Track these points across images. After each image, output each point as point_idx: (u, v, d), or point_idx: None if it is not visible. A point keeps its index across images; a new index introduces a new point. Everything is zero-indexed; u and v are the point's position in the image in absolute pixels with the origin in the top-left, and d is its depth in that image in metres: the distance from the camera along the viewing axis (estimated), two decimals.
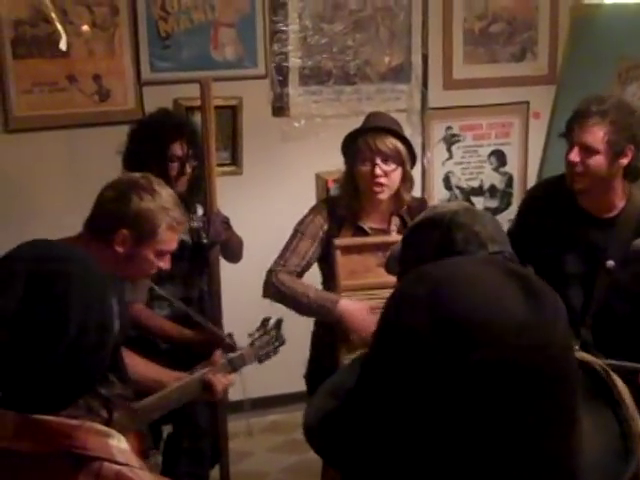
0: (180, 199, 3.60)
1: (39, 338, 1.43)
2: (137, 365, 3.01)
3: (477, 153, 5.38)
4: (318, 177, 4.79)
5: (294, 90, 4.91)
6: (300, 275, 3.41)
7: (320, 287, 3.47)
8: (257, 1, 4.78)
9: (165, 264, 2.85)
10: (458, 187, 5.38)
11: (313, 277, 3.50)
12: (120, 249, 2.73)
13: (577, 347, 3.16)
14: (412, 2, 5.05)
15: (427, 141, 5.18)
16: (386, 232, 3.43)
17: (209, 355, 3.12)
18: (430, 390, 0.95)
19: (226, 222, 3.59)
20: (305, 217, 3.45)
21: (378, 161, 3.29)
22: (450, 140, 5.31)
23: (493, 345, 0.94)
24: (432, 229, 1.99)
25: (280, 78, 4.87)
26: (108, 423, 1.51)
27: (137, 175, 2.89)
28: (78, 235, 2.81)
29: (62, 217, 4.26)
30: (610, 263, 3.14)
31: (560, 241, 3.36)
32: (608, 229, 3.24)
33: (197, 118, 3.76)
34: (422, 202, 3.61)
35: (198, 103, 3.52)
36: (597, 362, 1.18)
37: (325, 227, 3.40)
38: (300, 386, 3.53)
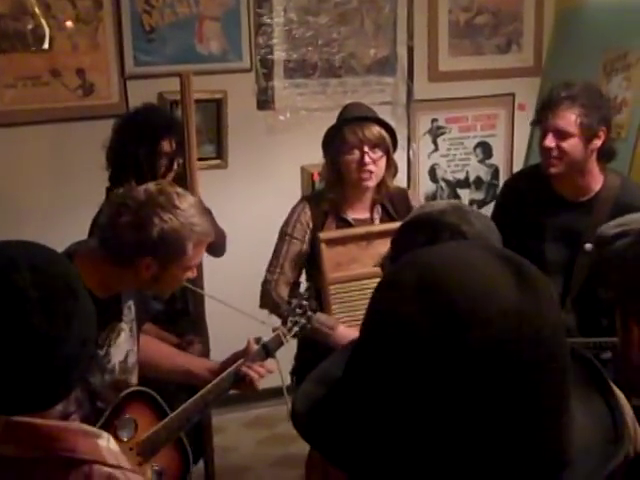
0: None
1: (56, 327, 1.40)
2: (165, 354, 2.98)
3: (463, 145, 5.38)
4: (303, 170, 4.78)
5: (279, 83, 4.89)
6: (296, 281, 3.42)
7: (304, 280, 3.46)
8: None
9: (193, 274, 2.71)
10: (444, 179, 5.38)
11: None
12: (146, 274, 2.55)
13: None
14: None
15: (413, 133, 5.17)
16: (369, 222, 3.43)
17: None
18: (420, 375, 0.94)
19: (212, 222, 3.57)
20: (289, 218, 3.44)
21: (366, 149, 3.30)
22: (436, 132, 5.30)
23: (484, 329, 0.93)
24: (419, 229, 2.01)
25: (265, 71, 4.86)
26: (92, 414, 1.50)
27: (153, 189, 2.58)
28: (93, 252, 2.58)
29: (46, 211, 4.26)
30: (588, 246, 3.16)
31: (539, 229, 3.39)
32: (585, 212, 3.28)
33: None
34: (403, 192, 3.61)
35: None
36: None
37: (310, 224, 3.40)
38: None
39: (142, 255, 2.51)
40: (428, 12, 5.16)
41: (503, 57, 5.36)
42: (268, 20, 4.82)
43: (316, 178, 4.55)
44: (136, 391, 2.69)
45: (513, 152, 5.43)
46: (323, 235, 3.34)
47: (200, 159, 3.82)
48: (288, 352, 3.47)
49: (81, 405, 1.46)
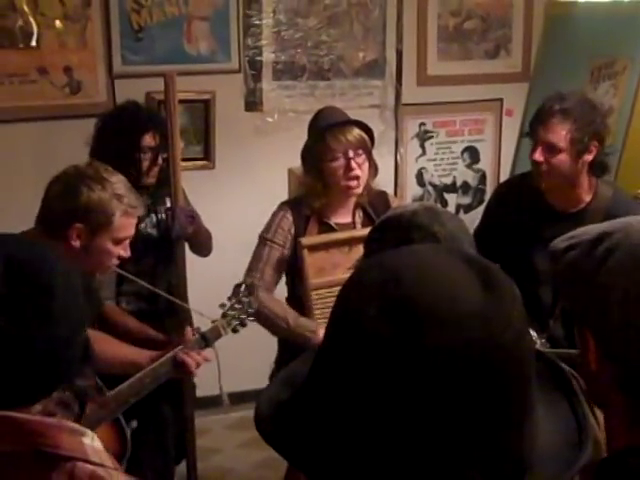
0: (149, 191, 3.60)
1: (22, 327, 1.40)
2: (110, 346, 2.98)
3: (450, 149, 5.39)
4: (291, 172, 4.76)
5: (267, 85, 4.89)
6: (275, 286, 3.39)
7: (285, 287, 3.44)
8: None
9: (125, 252, 2.80)
10: (431, 183, 5.38)
11: None
12: (76, 243, 2.67)
13: (544, 340, 3.19)
14: None
15: (400, 137, 5.18)
16: (351, 226, 3.42)
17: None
18: (380, 378, 0.94)
19: (191, 215, 3.55)
20: (270, 223, 3.40)
21: (351, 154, 3.28)
22: (423, 136, 5.31)
23: (445, 332, 0.93)
24: (391, 230, 2.01)
25: (253, 72, 4.86)
26: (80, 417, 1.48)
27: (83, 165, 2.82)
28: (30, 231, 2.74)
29: (31, 209, 4.22)
30: None
31: (528, 239, 3.38)
32: (575, 224, 3.25)
33: None
34: (383, 194, 3.60)
35: None
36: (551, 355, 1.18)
37: (292, 230, 3.37)
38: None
39: (71, 223, 2.65)
40: (417, 16, 5.17)
41: (492, 62, 5.37)
42: (257, 21, 4.81)
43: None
44: None
45: (500, 157, 5.45)
46: (305, 241, 3.31)
47: (187, 159, 3.82)
48: (269, 356, 3.46)
49: (68, 407, 1.44)
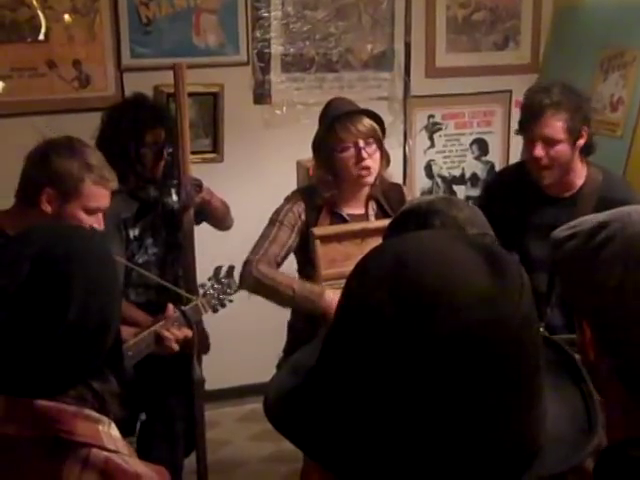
0: (156, 184, 3.61)
1: (37, 320, 1.41)
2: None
3: (459, 141, 5.38)
4: (299, 164, 4.77)
5: (276, 77, 4.88)
6: (279, 265, 3.37)
7: (296, 276, 3.44)
8: None
9: (98, 223, 2.84)
10: (440, 175, 5.37)
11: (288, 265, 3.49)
12: (47, 208, 2.75)
13: (542, 329, 3.19)
14: None
15: (409, 129, 5.17)
16: (364, 218, 3.41)
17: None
18: (390, 363, 0.94)
19: (198, 185, 3.58)
20: (282, 207, 3.41)
21: (362, 144, 3.27)
22: (432, 128, 5.30)
23: (453, 316, 0.93)
24: (410, 219, 2.03)
25: (262, 65, 4.85)
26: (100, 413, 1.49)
27: (58, 137, 2.92)
28: (11, 207, 2.87)
29: None
30: None
31: (523, 226, 3.41)
32: (569, 208, 3.30)
33: None
34: (397, 187, 3.60)
35: None
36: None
37: (303, 217, 3.36)
38: None
39: (42, 188, 2.75)
40: (426, 8, 5.16)
41: (500, 54, 5.35)
42: (265, 14, 4.81)
43: (312, 173, 4.54)
44: None
45: (509, 149, 5.43)
46: (318, 231, 3.30)
47: (196, 152, 3.82)
48: (277, 348, 3.46)
49: (86, 402, 1.45)
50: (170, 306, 3.05)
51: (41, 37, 4.42)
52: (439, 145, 5.33)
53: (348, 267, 3.37)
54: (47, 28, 4.42)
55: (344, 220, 3.38)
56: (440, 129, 5.32)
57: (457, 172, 5.42)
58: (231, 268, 3.30)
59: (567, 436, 1.03)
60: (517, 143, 5.12)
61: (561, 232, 1.41)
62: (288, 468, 4.19)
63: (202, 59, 4.63)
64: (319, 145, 3.39)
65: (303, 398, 1.05)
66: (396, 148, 4.91)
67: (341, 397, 0.99)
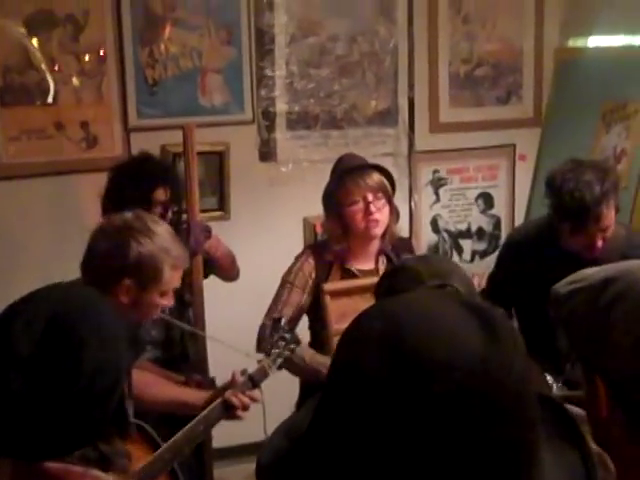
0: None
1: (51, 383, 1.41)
2: (160, 388, 3.02)
3: (464, 196, 5.40)
4: (306, 221, 4.79)
5: (281, 135, 4.92)
6: (293, 328, 3.38)
7: (307, 331, 3.45)
8: (244, 47, 4.81)
9: (169, 301, 2.79)
10: (446, 230, 5.38)
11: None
12: (125, 299, 2.64)
13: (560, 384, 3.17)
14: (398, 47, 5.09)
15: (414, 184, 5.20)
16: (374, 273, 3.41)
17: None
18: (383, 429, 0.92)
19: (208, 231, 3.59)
20: (292, 267, 3.43)
21: (370, 198, 3.29)
22: (437, 183, 5.32)
23: (448, 380, 0.92)
24: (383, 277, 2.18)
25: (267, 123, 4.89)
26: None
27: (129, 216, 2.75)
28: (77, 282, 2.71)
29: (49, 264, 4.25)
30: None
31: (545, 284, 3.36)
32: (592, 265, 3.26)
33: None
34: (407, 241, 3.62)
35: None
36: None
37: (313, 274, 3.38)
38: None
39: (121, 278, 2.60)
40: (428, 64, 5.21)
41: (503, 108, 5.39)
42: (270, 73, 4.86)
43: (319, 230, 4.56)
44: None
45: (515, 202, 5.44)
46: (327, 287, 3.31)
47: (203, 211, 3.84)
48: (289, 404, 3.45)
49: (90, 464, 1.45)
50: (235, 371, 2.99)
51: (49, 100, 4.47)
52: (445, 200, 5.35)
53: None
54: (55, 91, 4.47)
55: (354, 275, 3.39)
56: (445, 184, 5.34)
57: (463, 226, 5.43)
58: (291, 320, 3.25)
59: None
60: (522, 196, 5.15)
61: (562, 288, 1.41)
62: None
63: (208, 118, 4.67)
64: (329, 198, 3.41)
65: (293, 462, 1.04)
66: (402, 203, 4.93)
67: (331, 462, 0.97)
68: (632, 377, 1.25)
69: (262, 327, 3.37)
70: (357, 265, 3.41)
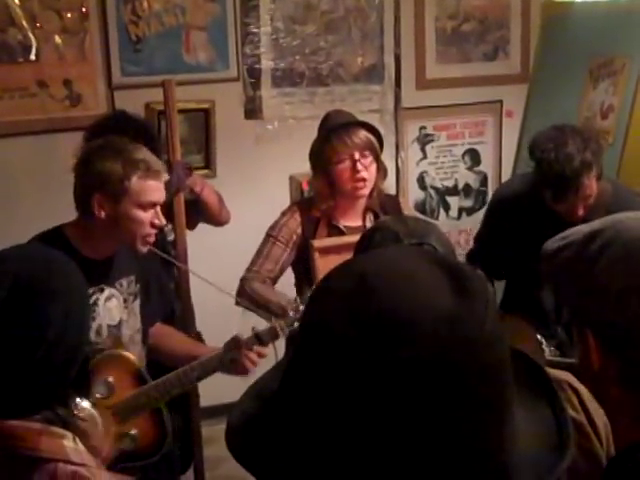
0: None
1: (17, 340, 1.41)
2: (174, 341, 3.12)
3: (451, 152, 5.39)
4: (292, 179, 4.77)
5: (267, 92, 4.89)
6: (274, 281, 3.37)
7: (294, 289, 3.44)
8: (228, 3, 4.76)
9: (158, 218, 2.82)
10: (433, 187, 5.38)
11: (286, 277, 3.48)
12: (101, 214, 2.73)
13: (552, 348, 3.19)
14: (384, 2, 5.05)
15: (401, 141, 5.17)
16: (362, 229, 3.40)
17: None
18: (352, 389, 0.91)
19: (189, 168, 3.58)
20: (277, 221, 3.42)
21: (357, 156, 3.28)
22: (424, 140, 5.31)
23: (416, 340, 0.91)
24: (362, 238, 2.17)
25: (252, 80, 4.86)
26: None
27: (97, 141, 2.90)
28: (75, 219, 2.85)
29: (33, 222, 4.22)
30: None
31: (532, 243, 3.37)
32: (580, 223, 3.26)
33: None
34: (394, 198, 3.61)
35: None
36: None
37: (299, 231, 3.37)
38: None
39: (91, 193, 2.72)
40: (415, 20, 5.18)
41: (490, 64, 5.37)
42: (255, 29, 4.82)
43: (305, 187, 4.54)
44: (122, 358, 2.84)
45: (501, 159, 5.44)
46: (317, 243, 3.31)
47: None
48: (276, 359, 3.45)
49: (52, 424, 1.46)
50: (238, 334, 2.97)
51: (32, 57, 4.42)
52: (431, 156, 5.34)
53: None
54: (37, 48, 4.42)
55: (341, 232, 3.39)
56: (432, 140, 5.33)
57: (450, 183, 5.43)
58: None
59: (539, 456, 1.01)
60: (509, 152, 5.14)
61: (551, 244, 1.41)
62: None
63: (193, 76, 4.64)
64: (316, 156, 3.39)
65: (263, 425, 1.02)
66: (388, 160, 4.90)
67: (300, 424, 0.96)
68: (620, 326, 1.25)
69: (241, 279, 3.35)
70: (344, 222, 3.41)
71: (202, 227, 3.87)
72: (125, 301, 2.94)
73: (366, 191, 3.35)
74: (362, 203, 3.42)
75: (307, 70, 4.96)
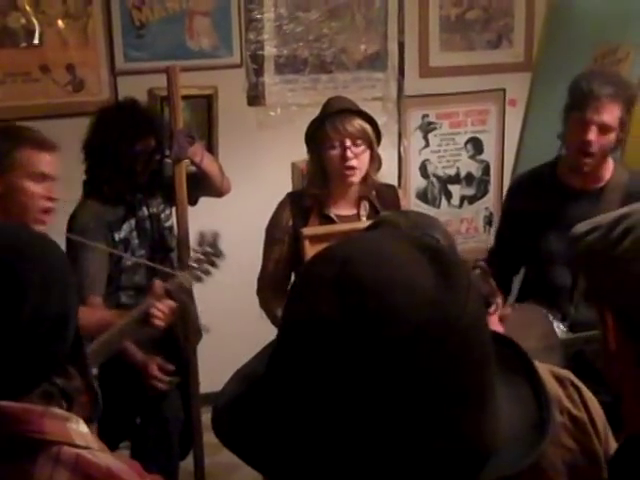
0: (142, 189, 3.61)
1: None
2: (89, 312, 3.07)
3: (454, 141, 5.38)
4: (294, 166, 4.76)
5: (270, 79, 4.88)
6: (289, 277, 3.39)
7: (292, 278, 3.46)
8: None
9: (49, 191, 2.84)
10: (435, 175, 5.37)
11: None
12: None
13: (566, 329, 3.20)
14: None
15: (404, 129, 5.17)
16: (356, 218, 3.40)
17: None
18: (337, 374, 0.93)
19: (191, 137, 3.58)
20: (272, 219, 3.44)
21: (348, 143, 3.27)
22: (427, 128, 5.30)
23: (402, 321, 0.92)
24: (366, 231, 2.18)
25: (255, 67, 4.85)
26: (68, 411, 1.49)
27: None
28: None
29: None
30: None
31: (546, 221, 3.38)
32: (594, 202, 3.27)
33: None
34: (391, 188, 3.60)
35: None
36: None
37: (290, 222, 3.38)
38: None
39: None
40: (419, 7, 5.16)
41: (494, 52, 5.36)
42: (258, 15, 4.81)
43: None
44: None
45: (504, 148, 5.43)
46: (307, 231, 3.31)
47: None
48: None
49: (52, 400, 1.47)
50: (157, 282, 3.13)
51: (35, 42, 4.42)
52: (434, 145, 5.33)
53: None
54: (40, 33, 4.42)
55: (333, 221, 3.38)
56: (435, 128, 5.32)
57: (452, 171, 5.42)
58: (215, 235, 3.33)
59: (520, 435, 1.02)
60: (512, 141, 5.13)
61: (581, 227, 1.41)
62: None
63: (196, 62, 4.63)
64: (309, 140, 3.40)
65: (247, 408, 1.03)
66: (391, 148, 4.92)
67: (285, 406, 0.97)
68: (638, 309, 1.25)
69: (258, 281, 3.42)
70: (336, 211, 3.40)
71: (204, 212, 3.87)
72: None
73: (355, 179, 3.34)
74: (354, 191, 3.42)
75: (310, 57, 4.96)
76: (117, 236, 3.53)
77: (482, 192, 5.45)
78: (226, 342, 3.57)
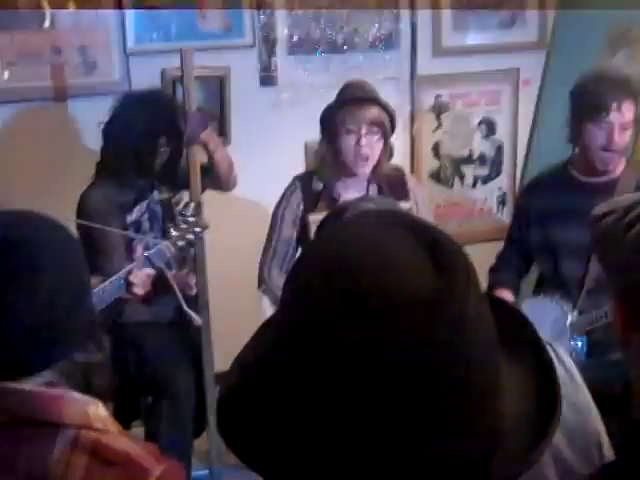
0: (153, 176, 3.62)
1: (10, 300, 1.41)
2: None
3: (467, 121, 5.35)
4: (307, 146, 4.76)
5: (282, 59, 4.87)
6: (292, 261, 3.39)
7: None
8: None
9: None
10: (448, 156, 5.35)
11: None
12: None
13: (574, 318, 3.22)
14: None
15: (416, 109, 5.15)
16: None
17: None
18: (336, 371, 0.91)
19: (204, 120, 3.59)
20: (281, 201, 3.44)
21: (363, 132, 3.27)
22: (439, 108, 5.27)
23: (403, 322, 0.90)
24: (330, 214, 2.28)
25: (268, 48, 4.83)
26: (87, 388, 1.50)
27: None
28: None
29: (48, 188, 4.25)
30: None
31: (559, 213, 3.38)
32: (608, 192, 3.26)
33: None
34: (400, 173, 3.59)
35: None
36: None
37: (301, 206, 3.38)
38: None
39: None
40: None
41: (507, 31, 5.32)
42: None
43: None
44: None
45: (517, 128, 5.40)
46: (313, 217, 3.31)
47: None
48: None
49: (72, 378, 1.48)
50: (138, 248, 3.17)
51: (46, 24, 4.41)
52: (446, 125, 5.31)
53: None
54: (52, 14, 4.41)
55: None
56: (447, 109, 5.29)
57: (465, 152, 5.39)
58: (198, 205, 3.35)
59: (528, 421, 1.00)
60: (525, 122, 5.11)
61: (600, 209, 1.41)
62: None
63: (207, 42, 4.61)
64: (325, 124, 3.39)
65: (240, 397, 1.02)
66: (403, 129, 4.90)
67: (278, 404, 0.96)
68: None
69: (260, 264, 3.40)
70: (345, 195, 3.39)
71: (217, 195, 3.87)
72: None
73: (367, 169, 3.34)
74: (364, 177, 3.42)
75: (323, 37, 4.93)
76: (129, 218, 3.54)
77: (495, 172, 5.43)
78: (242, 320, 3.56)
